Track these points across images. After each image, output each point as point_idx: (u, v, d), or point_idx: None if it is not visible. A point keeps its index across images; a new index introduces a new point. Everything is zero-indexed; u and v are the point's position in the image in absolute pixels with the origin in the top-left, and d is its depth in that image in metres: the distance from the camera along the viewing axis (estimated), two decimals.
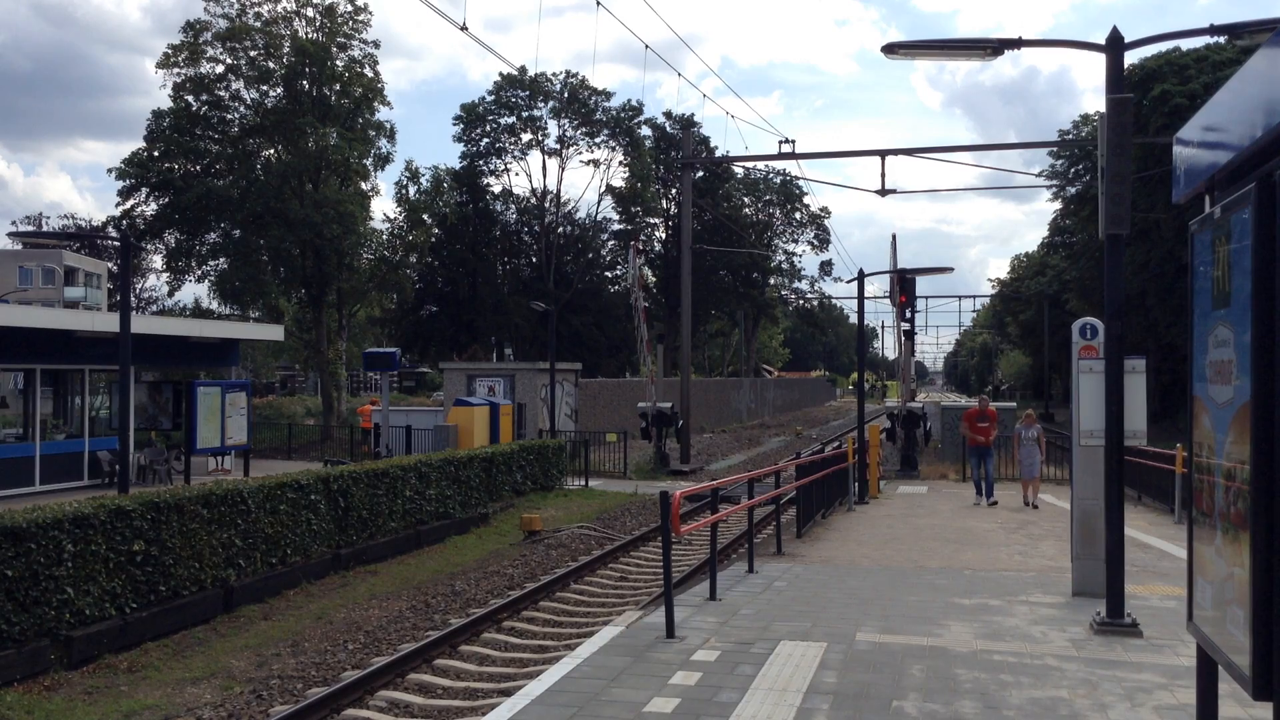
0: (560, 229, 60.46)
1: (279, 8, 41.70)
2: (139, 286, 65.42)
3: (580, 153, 60.51)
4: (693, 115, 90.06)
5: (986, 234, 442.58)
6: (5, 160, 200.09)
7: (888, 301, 25.43)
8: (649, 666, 7.60)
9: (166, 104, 41.57)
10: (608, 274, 66.39)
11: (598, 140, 59.63)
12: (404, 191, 46.79)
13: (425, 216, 48.04)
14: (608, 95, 59.36)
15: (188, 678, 10.13)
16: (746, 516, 12.50)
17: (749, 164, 61.23)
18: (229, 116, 42.27)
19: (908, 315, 26.77)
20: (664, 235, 64.64)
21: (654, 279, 67.88)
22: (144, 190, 41.49)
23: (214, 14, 40.99)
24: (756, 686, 7.08)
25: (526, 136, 59.00)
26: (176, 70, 40.86)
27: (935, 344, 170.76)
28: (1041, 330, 67.22)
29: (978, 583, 11.24)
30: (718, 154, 58.37)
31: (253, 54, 41.10)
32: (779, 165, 65.09)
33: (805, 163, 69.04)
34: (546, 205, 59.61)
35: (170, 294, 54.42)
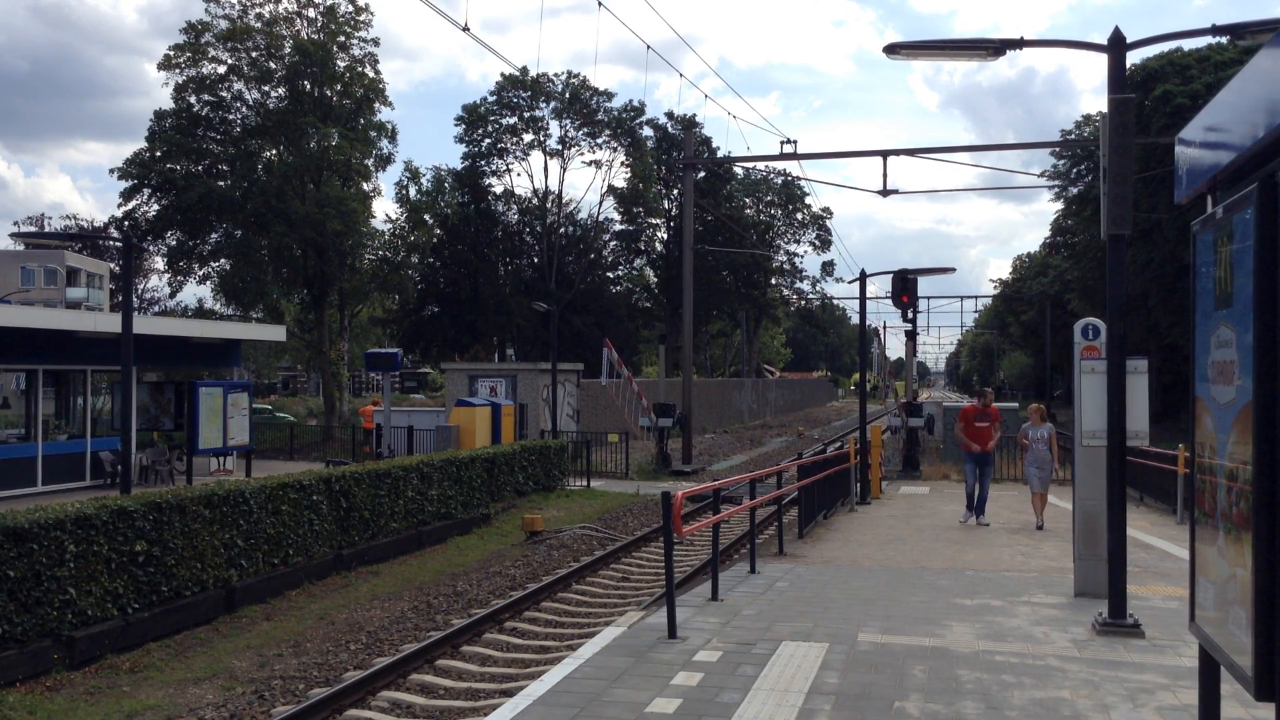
0: (562, 229, 60.45)
1: (280, 8, 41.73)
2: (141, 287, 65.46)
3: (582, 153, 60.55)
4: (694, 116, 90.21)
5: (987, 234, 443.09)
6: (5, 161, 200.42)
7: (889, 302, 25.50)
8: (651, 667, 7.60)
9: (166, 105, 41.67)
10: (609, 274, 66.38)
11: (599, 141, 59.62)
12: (404, 192, 46.83)
13: (427, 217, 48.06)
14: (609, 96, 59.35)
15: (190, 678, 10.14)
16: (748, 517, 12.50)
17: (750, 164, 61.28)
18: (231, 117, 42.29)
19: (909, 316, 26.70)
20: (666, 235, 64.63)
21: (655, 279, 67.92)
22: (146, 190, 41.52)
23: (215, 14, 41.04)
24: (758, 687, 7.08)
25: (528, 137, 58.99)
26: (178, 70, 40.90)
27: (937, 344, 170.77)
28: (1043, 330, 67.15)
29: (980, 583, 11.24)
30: (719, 154, 58.32)
31: (254, 54, 41.11)
32: (780, 166, 65.16)
33: (806, 163, 68.90)
34: (548, 206, 59.60)
35: (172, 295, 54.36)
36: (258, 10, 41.47)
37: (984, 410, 16.64)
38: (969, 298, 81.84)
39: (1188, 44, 42.65)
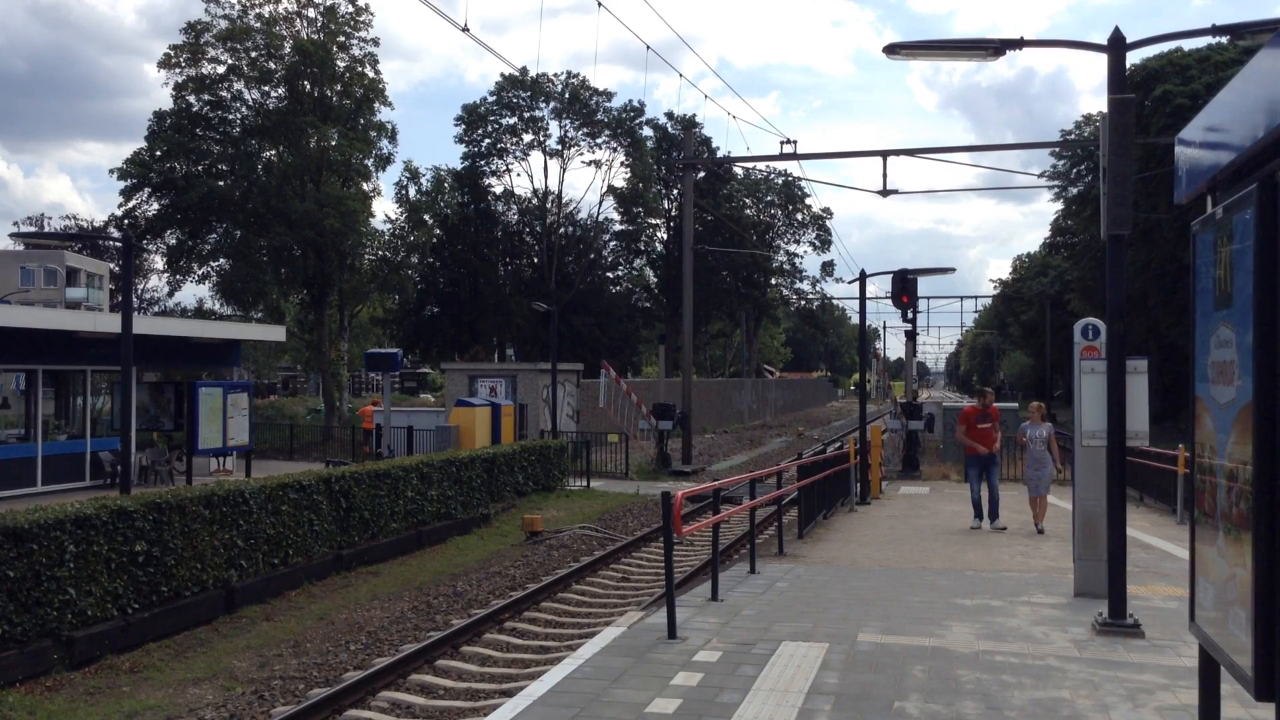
0: (562, 229, 60.43)
1: (280, 8, 41.77)
2: (140, 287, 65.38)
3: (581, 153, 60.51)
4: (694, 116, 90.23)
5: (986, 235, 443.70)
6: (5, 162, 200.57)
7: (889, 302, 25.58)
8: (651, 667, 7.60)
9: (166, 105, 41.78)
10: (609, 275, 66.36)
11: (599, 141, 59.62)
12: (404, 192, 46.85)
13: (426, 217, 48.08)
14: (609, 96, 59.33)
15: (190, 678, 10.14)
16: (748, 517, 12.49)
17: (750, 164, 61.26)
18: (230, 116, 42.32)
19: (909, 316, 26.69)
20: (665, 235, 64.62)
21: (655, 279, 67.90)
22: (146, 190, 41.55)
23: (214, 15, 41.06)
24: (758, 687, 7.07)
25: (528, 137, 59.00)
26: (178, 70, 40.92)
27: (937, 344, 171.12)
28: (1043, 331, 67.22)
29: (979, 583, 11.24)
30: (719, 154, 58.32)
31: (254, 54, 41.13)
32: (780, 166, 65.17)
33: (806, 163, 69.00)
34: (548, 206, 59.59)
35: (170, 294, 54.29)
36: (257, 10, 41.51)
37: (985, 411, 16.02)
38: (969, 298, 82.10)
39: (1188, 44, 42.69)
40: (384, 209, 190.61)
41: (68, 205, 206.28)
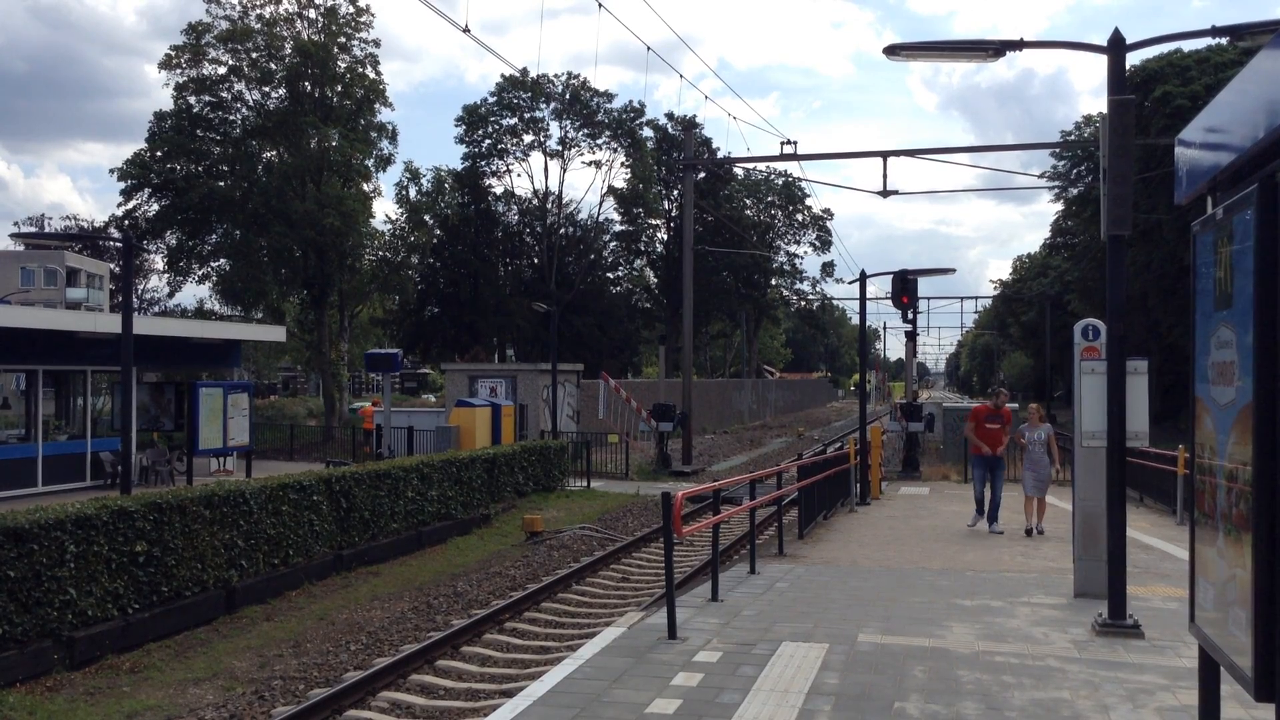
0: (562, 230, 60.42)
1: (280, 9, 41.75)
2: (141, 287, 65.39)
3: (582, 154, 60.54)
4: (694, 116, 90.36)
5: (986, 235, 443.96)
6: (5, 162, 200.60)
7: (890, 302, 25.62)
8: (651, 667, 7.60)
9: (166, 105, 41.85)
10: (609, 275, 66.37)
11: (599, 141, 59.65)
12: (405, 192, 46.84)
13: (427, 217, 48.08)
14: (609, 96, 59.36)
15: (190, 678, 10.15)
16: (748, 517, 12.50)
17: (751, 165, 61.27)
18: (231, 117, 42.32)
19: (910, 316, 26.66)
20: (666, 236, 64.61)
21: (655, 280, 67.91)
22: (146, 191, 41.56)
23: (215, 15, 41.06)
24: (758, 687, 7.08)
25: (528, 138, 59.02)
26: (179, 71, 40.93)
27: (937, 344, 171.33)
28: (1043, 331, 67.14)
29: (979, 584, 11.24)
30: (719, 155, 58.31)
31: (254, 55, 41.13)
32: (780, 166, 65.22)
33: (806, 164, 68.95)
34: (548, 206, 59.59)
35: (170, 294, 54.30)
36: (258, 11, 41.49)
37: (996, 411, 15.63)
38: (969, 298, 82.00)
39: (1187, 45, 42.71)
40: (384, 209, 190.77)
41: (68, 205, 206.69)
